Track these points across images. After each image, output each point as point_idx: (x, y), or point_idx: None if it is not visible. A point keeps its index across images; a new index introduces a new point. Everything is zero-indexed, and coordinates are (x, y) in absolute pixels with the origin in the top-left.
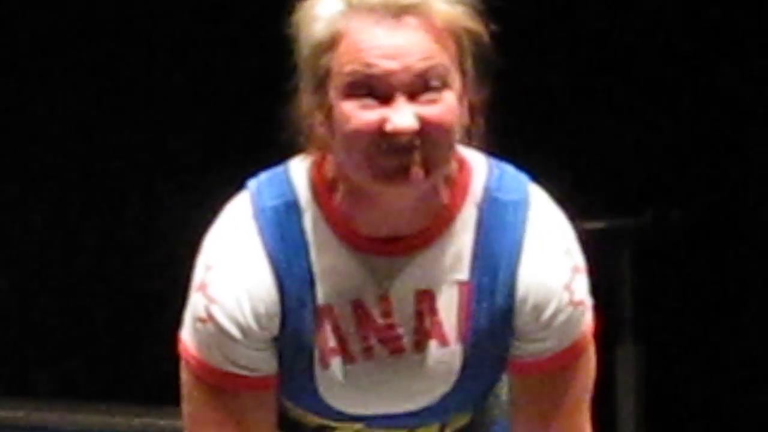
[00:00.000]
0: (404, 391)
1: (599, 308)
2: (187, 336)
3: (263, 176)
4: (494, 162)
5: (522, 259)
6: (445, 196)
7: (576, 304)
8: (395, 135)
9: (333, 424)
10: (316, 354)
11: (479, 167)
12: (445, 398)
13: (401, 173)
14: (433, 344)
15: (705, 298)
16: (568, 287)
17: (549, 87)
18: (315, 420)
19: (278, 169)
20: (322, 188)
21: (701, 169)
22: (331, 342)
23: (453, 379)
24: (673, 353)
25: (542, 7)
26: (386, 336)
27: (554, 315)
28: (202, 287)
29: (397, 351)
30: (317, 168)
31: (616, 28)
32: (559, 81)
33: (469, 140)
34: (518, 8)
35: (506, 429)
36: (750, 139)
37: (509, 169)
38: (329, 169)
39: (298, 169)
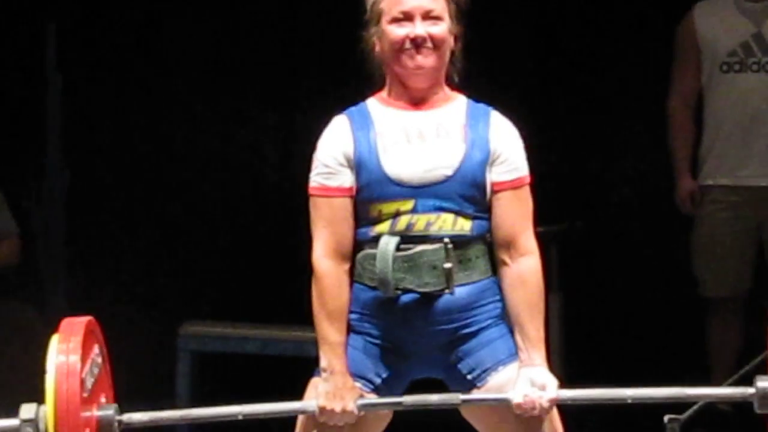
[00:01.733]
0: (431, 159)
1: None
2: (311, 181)
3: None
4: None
5: (491, 120)
6: (444, 89)
7: (522, 161)
8: (415, 38)
9: (400, 207)
10: (380, 150)
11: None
12: (451, 182)
13: (415, 64)
14: (452, 137)
15: (601, 274)
16: (518, 149)
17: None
18: (383, 209)
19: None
20: (378, 95)
21: (596, 196)
22: (385, 141)
23: (457, 162)
24: (584, 304)
25: None
26: (423, 134)
27: (510, 146)
28: (314, 161)
29: (425, 138)
30: (377, 92)
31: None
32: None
33: (452, 64)
34: None
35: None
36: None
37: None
38: (383, 86)
39: (377, 97)
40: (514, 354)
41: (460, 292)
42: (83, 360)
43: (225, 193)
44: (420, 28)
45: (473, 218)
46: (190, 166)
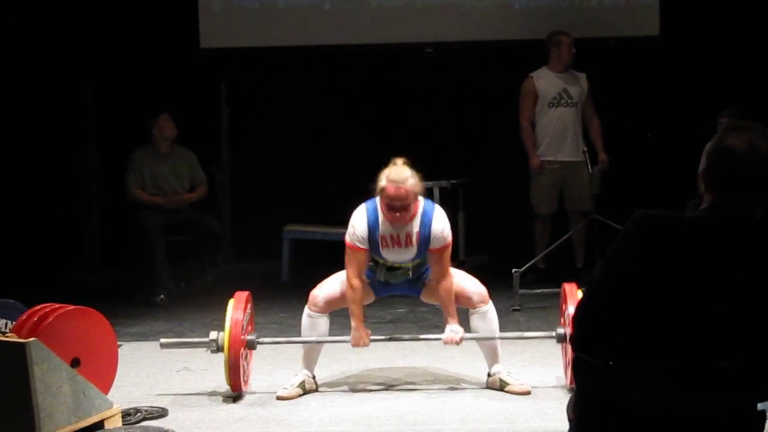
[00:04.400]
0: (402, 254)
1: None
2: (347, 239)
3: (370, 201)
4: (424, 200)
5: (432, 222)
6: (411, 216)
7: (446, 236)
8: (393, 214)
9: (384, 262)
10: (381, 245)
11: (419, 203)
12: (414, 259)
13: (394, 221)
14: (411, 244)
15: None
16: (444, 231)
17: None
18: (379, 260)
19: (375, 198)
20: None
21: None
22: (383, 242)
23: (413, 253)
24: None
25: None
26: (397, 243)
27: (440, 237)
28: (349, 228)
29: (400, 245)
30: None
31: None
32: None
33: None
34: None
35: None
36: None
37: (428, 202)
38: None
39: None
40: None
41: (414, 275)
42: (243, 313)
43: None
44: (397, 210)
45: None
46: None
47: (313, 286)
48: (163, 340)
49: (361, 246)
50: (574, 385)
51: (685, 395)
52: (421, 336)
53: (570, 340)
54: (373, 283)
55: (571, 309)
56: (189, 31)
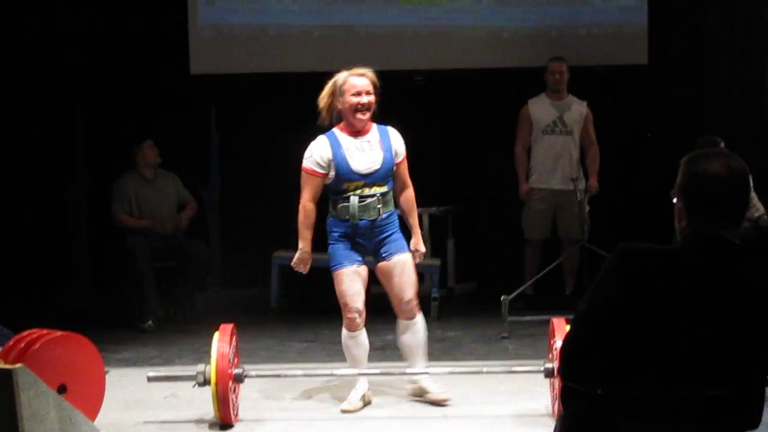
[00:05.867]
0: (370, 158)
1: None
2: (304, 164)
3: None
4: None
5: (388, 131)
6: (369, 124)
7: (403, 145)
8: (360, 105)
9: (356, 184)
10: (347, 157)
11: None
12: (379, 171)
13: (362, 117)
14: (376, 149)
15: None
16: (401, 140)
17: None
18: (350, 185)
19: (332, 129)
20: (337, 127)
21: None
22: (348, 154)
23: (380, 161)
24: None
25: None
26: (362, 150)
27: (400, 145)
28: (306, 153)
29: (365, 151)
30: (340, 127)
31: None
32: None
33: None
34: None
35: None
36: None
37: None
38: (342, 124)
39: (337, 128)
40: (404, 249)
41: (382, 217)
42: (229, 346)
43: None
44: (364, 99)
45: (387, 183)
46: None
47: (302, 311)
48: (150, 374)
49: (319, 171)
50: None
51: (672, 424)
52: (408, 370)
53: (558, 369)
54: (347, 248)
55: (559, 343)
56: (179, 57)
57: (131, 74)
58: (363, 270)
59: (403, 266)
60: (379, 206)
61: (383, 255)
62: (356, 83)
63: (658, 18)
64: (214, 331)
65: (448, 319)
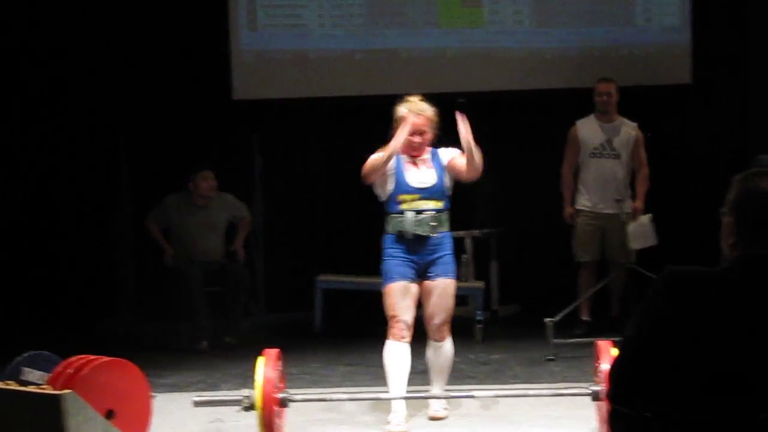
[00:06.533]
0: (423, 175)
1: None
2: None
3: None
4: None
5: (438, 150)
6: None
7: (449, 151)
8: (413, 143)
9: (412, 197)
10: (404, 169)
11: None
12: (434, 185)
13: (413, 153)
14: (428, 167)
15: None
16: (448, 151)
17: None
18: (406, 198)
19: None
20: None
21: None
22: (405, 167)
23: (433, 174)
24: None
25: None
26: (416, 165)
27: (447, 151)
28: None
29: (418, 167)
30: None
31: None
32: None
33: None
34: None
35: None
36: None
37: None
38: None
39: None
40: (450, 272)
41: (436, 235)
42: (273, 370)
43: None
44: (416, 139)
45: (443, 201)
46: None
47: (346, 335)
48: (196, 399)
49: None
50: None
51: None
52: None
53: (606, 392)
54: (400, 264)
55: (605, 365)
56: (221, 83)
57: (174, 100)
58: (414, 287)
59: (443, 289)
60: (433, 223)
61: (429, 275)
62: (414, 122)
63: (701, 37)
64: (259, 355)
65: (493, 341)
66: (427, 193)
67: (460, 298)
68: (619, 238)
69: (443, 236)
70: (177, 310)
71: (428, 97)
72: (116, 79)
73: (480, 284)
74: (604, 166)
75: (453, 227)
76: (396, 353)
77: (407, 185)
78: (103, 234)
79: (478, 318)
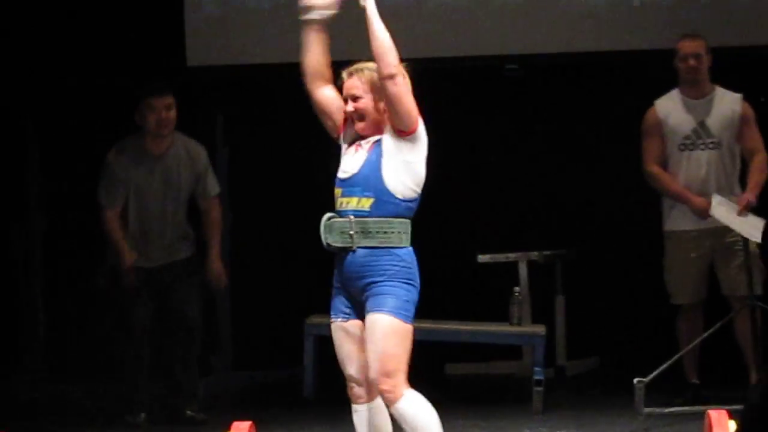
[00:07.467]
0: (354, 159)
1: None
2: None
3: None
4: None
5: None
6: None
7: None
8: (347, 113)
9: (337, 191)
10: (342, 154)
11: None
12: (361, 173)
13: (356, 127)
14: (360, 152)
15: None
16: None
17: None
18: (336, 193)
19: None
20: None
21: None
22: (346, 152)
23: (362, 159)
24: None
25: None
26: (358, 145)
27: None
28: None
29: (356, 149)
30: None
31: None
32: None
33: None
34: None
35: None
36: None
37: None
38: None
39: None
40: (384, 305)
41: (363, 251)
42: None
43: None
44: (350, 107)
45: (372, 198)
46: None
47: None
48: None
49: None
50: None
51: None
52: None
53: None
54: (336, 295)
55: None
56: (172, 46)
57: (96, 77)
58: (352, 325)
59: (373, 329)
60: (350, 231)
61: (366, 310)
62: (346, 85)
63: None
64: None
65: (559, 411)
66: (346, 186)
67: (512, 350)
68: (735, 263)
69: (379, 253)
70: (108, 361)
71: (464, 63)
72: (22, 46)
73: (540, 329)
74: (699, 161)
75: (501, 246)
76: (357, 423)
77: (336, 175)
78: (3, 260)
79: (537, 377)
